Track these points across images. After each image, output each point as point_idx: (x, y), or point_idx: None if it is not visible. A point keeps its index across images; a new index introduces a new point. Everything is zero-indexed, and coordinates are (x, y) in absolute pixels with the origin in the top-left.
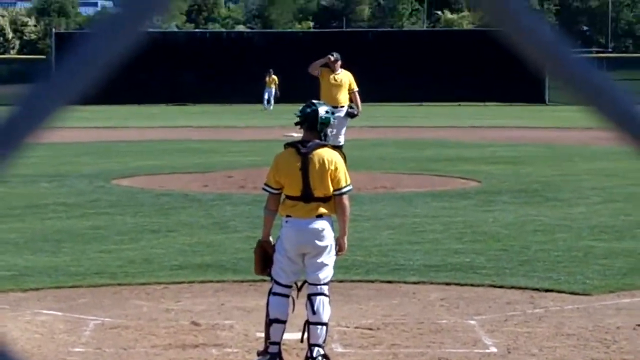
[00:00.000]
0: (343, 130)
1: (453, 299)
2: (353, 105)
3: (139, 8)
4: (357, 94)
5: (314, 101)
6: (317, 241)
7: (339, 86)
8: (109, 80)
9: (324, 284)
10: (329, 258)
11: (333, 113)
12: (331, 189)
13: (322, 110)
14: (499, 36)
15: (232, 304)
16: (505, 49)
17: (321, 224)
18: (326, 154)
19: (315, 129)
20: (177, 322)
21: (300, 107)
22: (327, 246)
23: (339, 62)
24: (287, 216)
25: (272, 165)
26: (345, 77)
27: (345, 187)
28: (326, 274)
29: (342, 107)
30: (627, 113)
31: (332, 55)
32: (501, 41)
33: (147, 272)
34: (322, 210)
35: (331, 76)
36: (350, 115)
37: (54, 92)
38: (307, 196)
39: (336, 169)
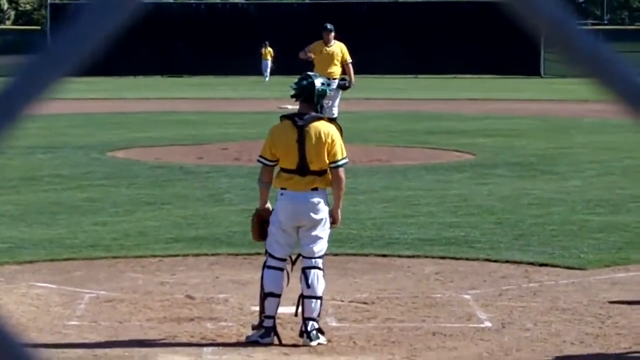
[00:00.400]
0: (337, 102)
1: (448, 273)
2: (346, 77)
3: None
4: (350, 65)
5: (310, 73)
6: (312, 214)
7: (331, 58)
8: (105, 52)
9: (319, 257)
10: (323, 231)
11: (329, 85)
12: (327, 162)
13: (318, 82)
14: (499, 5)
15: (226, 277)
16: (502, 21)
17: (316, 197)
18: (323, 127)
19: (311, 101)
20: (172, 295)
21: (296, 80)
22: (322, 219)
23: (332, 34)
24: (282, 189)
25: (268, 137)
26: (337, 49)
27: (341, 160)
28: (320, 247)
29: (335, 79)
30: (630, 84)
31: (326, 26)
32: (501, 10)
33: (142, 245)
34: (318, 183)
35: (323, 49)
36: (342, 87)
37: (50, 63)
38: (303, 169)
39: (332, 141)
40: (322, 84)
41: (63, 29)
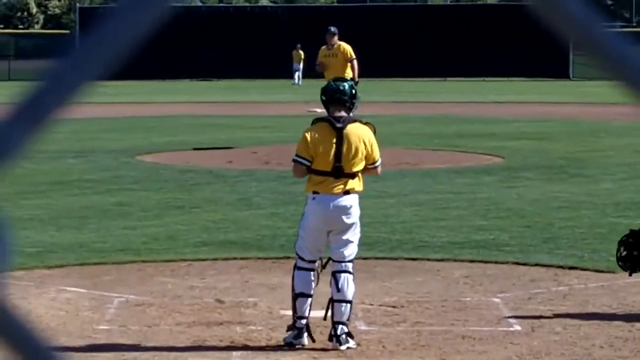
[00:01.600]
0: None
1: (477, 277)
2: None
3: None
4: (354, 62)
5: (340, 77)
6: (344, 217)
7: (336, 59)
8: (134, 56)
9: (349, 262)
10: (354, 235)
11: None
12: (362, 164)
13: (347, 85)
14: (527, 8)
15: (256, 281)
16: (530, 23)
17: (349, 200)
18: (360, 131)
19: (344, 104)
20: (202, 299)
21: (325, 85)
22: (353, 223)
23: (335, 37)
24: (314, 192)
25: (304, 137)
26: (340, 50)
27: (378, 160)
28: (351, 251)
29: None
30: None
31: (330, 29)
32: (528, 13)
33: (172, 249)
34: (350, 186)
35: (327, 52)
36: None
37: (79, 67)
38: (337, 171)
39: (371, 145)
40: (351, 86)
41: (90, 32)
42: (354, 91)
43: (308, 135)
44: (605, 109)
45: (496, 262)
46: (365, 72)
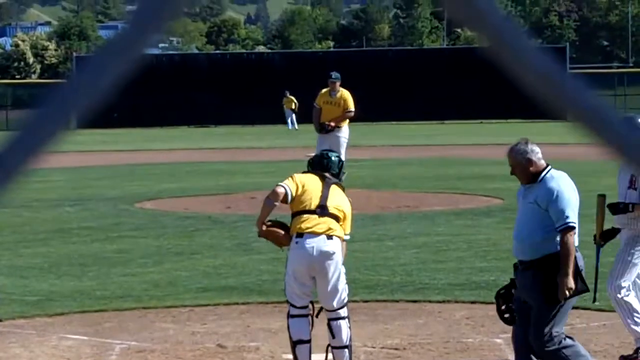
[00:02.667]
0: (344, 147)
1: (479, 318)
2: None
3: (140, 30)
4: (349, 114)
5: (326, 151)
6: (327, 263)
7: (337, 106)
8: (131, 104)
9: (340, 308)
10: (340, 283)
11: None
12: (341, 217)
13: (336, 157)
14: (484, 54)
15: (257, 325)
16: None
17: (332, 246)
18: (344, 196)
19: (331, 172)
20: (203, 345)
21: (314, 156)
22: (336, 270)
23: (338, 83)
24: (298, 235)
25: (292, 175)
26: (342, 98)
27: (348, 233)
28: (340, 299)
29: (340, 127)
30: (614, 129)
31: (331, 75)
32: (486, 59)
33: (172, 295)
34: (334, 229)
35: (328, 98)
36: (323, 127)
37: (54, 115)
38: (322, 209)
39: (350, 212)
40: (339, 158)
41: (63, 81)
42: (341, 164)
43: (297, 175)
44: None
45: None
46: (361, 116)
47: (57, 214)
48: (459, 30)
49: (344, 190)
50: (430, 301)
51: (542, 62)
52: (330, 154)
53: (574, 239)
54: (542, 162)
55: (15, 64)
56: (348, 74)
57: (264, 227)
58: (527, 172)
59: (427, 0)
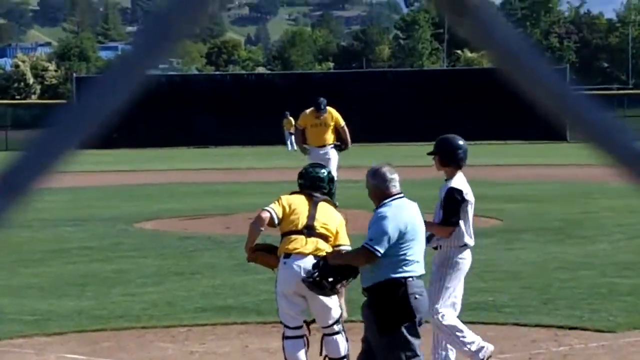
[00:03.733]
0: (334, 167)
1: None
2: (341, 145)
3: (147, 51)
4: (344, 128)
5: (318, 163)
6: None
7: (323, 126)
8: (130, 124)
9: (334, 324)
10: (331, 299)
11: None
12: (332, 234)
13: (327, 172)
14: (497, 74)
15: (256, 345)
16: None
17: None
18: (334, 209)
19: (321, 190)
20: None
21: (304, 170)
22: None
23: (323, 109)
24: (285, 256)
25: (279, 197)
26: (329, 117)
27: (347, 244)
28: (333, 315)
29: (330, 145)
30: (627, 149)
31: (319, 103)
32: (499, 79)
33: (171, 315)
34: (322, 249)
35: (314, 121)
36: (338, 148)
37: (61, 136)
38: (309, 229)
39: (341, 224)
40: (329, 172)
41: (71, 102)
42: (331, 177)
43: (283, 196)
44: (602, 170)
45: (496, 324)
46: (361, 137)
47: (55, 234)
48: (458, 51)
49: (335, 206)
50: (427, 321)
51: (554, 79)
52: (318, 170)
53: (367, 259)
54: (393, 190)
55: (15, 85)
56: (346, 95)
57: (252, 252)
58: (376, 197)
59: (427, 23)
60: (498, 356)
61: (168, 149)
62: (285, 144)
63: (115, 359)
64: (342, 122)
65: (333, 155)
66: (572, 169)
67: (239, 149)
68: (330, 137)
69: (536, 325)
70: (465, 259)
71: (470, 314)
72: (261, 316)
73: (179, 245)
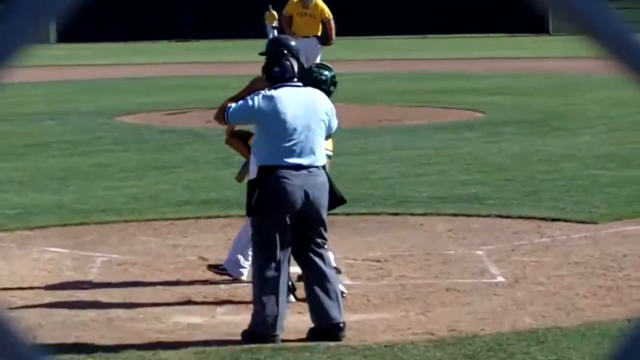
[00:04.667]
0: (317, 60)
1: (460, 230)
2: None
3: None
4: (331, 21)
5: (322, 63)
6: None
7: (311, 18)
8: (109, 18)
9: None
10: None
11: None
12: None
13: (331, 76)
14: None
15: None
16: None
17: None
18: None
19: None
20: (185, 257)
21: (308, 68)
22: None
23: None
24: None
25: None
26: (316, 8)
27: (330, 151)
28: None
29: (314, 36)
30: (624, 41)
31: None
32: None
33: (153, 209)
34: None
35: (302, 10)
36: (322, 43)
37: (14, 31)
38: None
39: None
40: (333, 76)
41: None
42: (334, 80)
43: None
44: (585, 63)
45: (479, 216)
46: (344, 30)
47: (35, 128)
48: None
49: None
50: (412, 214)
51: None
52: (322, 72)
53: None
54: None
55: None
56: None
57: (230, 137)
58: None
59: None
60: (481, 248)
61: (148, 42)
62: (267, 37)
63: (98, 252)
64: (329, 14)
65: (315, 48)
66: (555, 61)
67: (219, 42)
68: (315, 30)
69: (519, 217)
70: None
71: (454, 206)
72: (244, 209)
73: (160, 139)
